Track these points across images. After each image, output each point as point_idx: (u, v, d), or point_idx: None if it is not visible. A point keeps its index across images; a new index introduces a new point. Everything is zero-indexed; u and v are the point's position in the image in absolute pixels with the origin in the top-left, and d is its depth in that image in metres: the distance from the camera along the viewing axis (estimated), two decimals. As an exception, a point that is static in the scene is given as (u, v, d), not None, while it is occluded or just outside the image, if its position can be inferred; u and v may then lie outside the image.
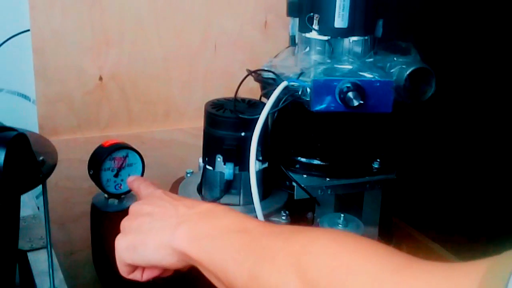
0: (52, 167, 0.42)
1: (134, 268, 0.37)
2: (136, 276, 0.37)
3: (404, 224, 0.69)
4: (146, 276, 0.37)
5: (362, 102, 0.46)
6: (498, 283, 0.20)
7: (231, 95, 0.54)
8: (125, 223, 0.38)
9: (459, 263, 0.23)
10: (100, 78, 0.73)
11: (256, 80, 0.57)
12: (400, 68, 0.49)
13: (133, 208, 0.39)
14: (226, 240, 0.32)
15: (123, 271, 0.37)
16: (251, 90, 0.58)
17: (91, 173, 0.51)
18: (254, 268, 0.29)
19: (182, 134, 0.79)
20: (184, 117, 0.79)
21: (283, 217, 0.51)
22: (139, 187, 0.42)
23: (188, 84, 0.79)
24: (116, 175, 0.51)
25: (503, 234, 0.57)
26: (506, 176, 0.59)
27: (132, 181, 0.44)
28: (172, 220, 0.35)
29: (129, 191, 0.53)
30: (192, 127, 0.77)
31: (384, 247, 0.27)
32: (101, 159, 0.50)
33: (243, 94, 0.58)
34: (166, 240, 0.34)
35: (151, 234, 0.35)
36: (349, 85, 0.47)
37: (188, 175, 0.59)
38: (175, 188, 0.56)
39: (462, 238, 0.62)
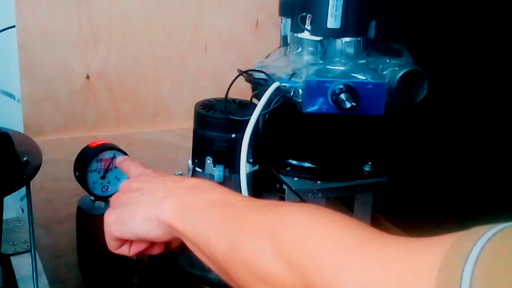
0: (37, 168, 0.40)
1: (122, 242, 0.38)
2: (124, 250, 0.38)
3: (394, 227, 0.69)
4: (133, 250, 0.38)
5: (354, 104, 0.46)
6: (462, 255, 0.20)
7: (221, 95, 0.53)
8: (114, 199, 0.39)
9: (427, 237, 0.23)
10: (87, 77, 0.72)
11: (247, 80, 0.56)
12: (392, 70, 0.48)
13: (123, 185, 0.40)
14: (209, 213, 0.33)
15: (111, 245, 0.38)
16: (241, 91, 0.57)
17: (76, 174, 0.49)
18: (234, 238, 0.30)
19: (171, 135, 0.77)
20: (174, 117, 0.78)
21: (274, 220, 0.50)
22: (129, 168, 0.43)
23: (177, 84, 0.78)
24: (102, 177, 0.50)
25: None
26: (497, 179, 0.59)
27: (121, 162, 0.44)
28: (159, 194, 0.36)
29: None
30: (182, 128, 0.76)
31: (355, 221, 0.28)
32: (88, 160, 0.49)
33: (233, 94, 0.57)
34: (153, 212, 0.35)
35: (139, 207, 0.36)
36: (341, 86, 0.46)
37: (177, 176, 0.58)
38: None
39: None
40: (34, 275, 0.43)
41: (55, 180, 0.70)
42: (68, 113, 0.71)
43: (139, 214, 0.35)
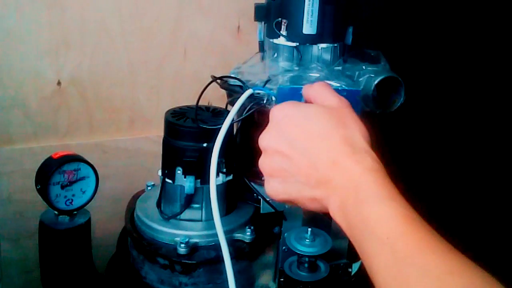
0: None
1: None
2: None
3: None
4: None
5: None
6: None
7: (202, 102, 0.51)
8: (264, 161, 0.38)
9: None
10: (59, 83, 0.69)
11: (222, 87, 0.54)
12: (368, 77, 0.47)
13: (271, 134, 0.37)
14: (374, 244, 0.30)
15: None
16: (223, 97, 0.55)
17: (38, 187, 0.47)
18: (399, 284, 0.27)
19: (148, 143, 0.75)
20: (151, 124, 0.76)
21: (248, 233, 0.48)
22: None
23: (155, 90, 0.75)
24: (66, 190, 0.47)
25: (474, 243, 0.56)
26: (475, 184, 0.58)
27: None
28: (317, 186, 0.34)
29: (81, 206, 0.49)
30: (160, 136, 0.73)
31: None
32: (50, 172, 0.46)
33: (215, 101, 0.55)
34: (323, 206, 0.34)
35: (300, 188, 0.35)
36: (316, 94, 0.44)
37: (149, 188, 0.55)
38: (133, 202, 0.53)
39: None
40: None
41: (24, 191, 0.67)
42: (38, 121, 0.69)
43: (305, 195, 0.34)
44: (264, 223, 0.51)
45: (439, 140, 0.61)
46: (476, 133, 0.56)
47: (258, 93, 0.47)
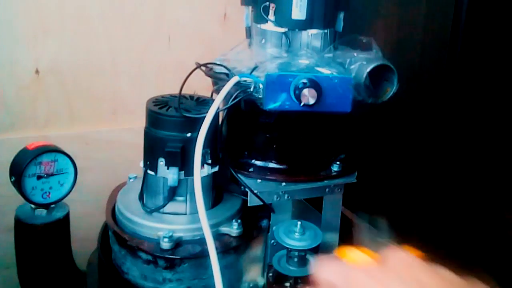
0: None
1: None
2: None
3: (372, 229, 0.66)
4: None
5: (318, 100, 0.42)
6: None
7: (187, 92, 0.49)
8: None
9: None
10: (37, 71, 0.66)
11: (208, 75, 0.52)
12: (360, 64, 0.45)
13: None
14: None
15: None
16: (210, 87, 0.53)
17: (12, 180, 0.44)
18: None
19: (131, 134, 0.72)
20: (134, 115, 0.73)
21: (235, 227, 0.47)
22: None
23: (138, 79, 0.73)
24: (43, 182, 0.45)
25: (461, 234, 0.55)
26: (468, 178, 0.57)
27: None
28: None
29: (59, 200, 0.47)
30: (143, 127, 0.71)
31: None
32: (24, 164, 0.44)
33: (201, 91, 0.53)
34: None
35: None
36: (305, 81, 0.43)
37: (131, 180, 0.53)
38: (114, 195, 0.50)
39: (426, 241, 0.60)
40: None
41: (1, 185, 0.64)
42: (15, 111, 0.66)
43: None
44: (251, 216, 0.49)
45: (438, 136, 0.60)
46: (477, 129, 0.55)
47: (245, 81, 0.45)
